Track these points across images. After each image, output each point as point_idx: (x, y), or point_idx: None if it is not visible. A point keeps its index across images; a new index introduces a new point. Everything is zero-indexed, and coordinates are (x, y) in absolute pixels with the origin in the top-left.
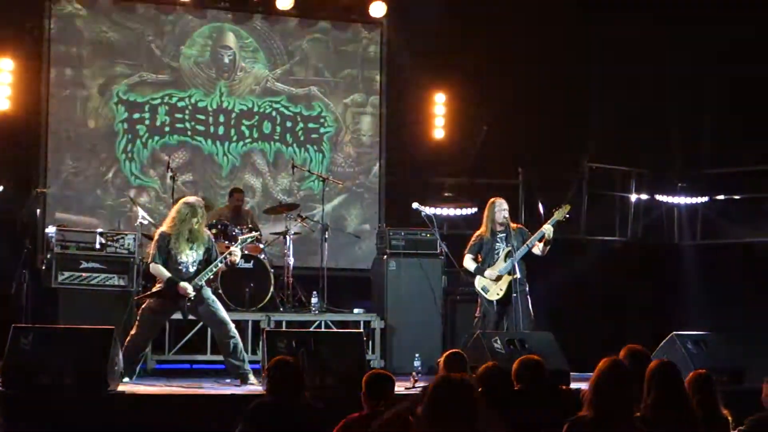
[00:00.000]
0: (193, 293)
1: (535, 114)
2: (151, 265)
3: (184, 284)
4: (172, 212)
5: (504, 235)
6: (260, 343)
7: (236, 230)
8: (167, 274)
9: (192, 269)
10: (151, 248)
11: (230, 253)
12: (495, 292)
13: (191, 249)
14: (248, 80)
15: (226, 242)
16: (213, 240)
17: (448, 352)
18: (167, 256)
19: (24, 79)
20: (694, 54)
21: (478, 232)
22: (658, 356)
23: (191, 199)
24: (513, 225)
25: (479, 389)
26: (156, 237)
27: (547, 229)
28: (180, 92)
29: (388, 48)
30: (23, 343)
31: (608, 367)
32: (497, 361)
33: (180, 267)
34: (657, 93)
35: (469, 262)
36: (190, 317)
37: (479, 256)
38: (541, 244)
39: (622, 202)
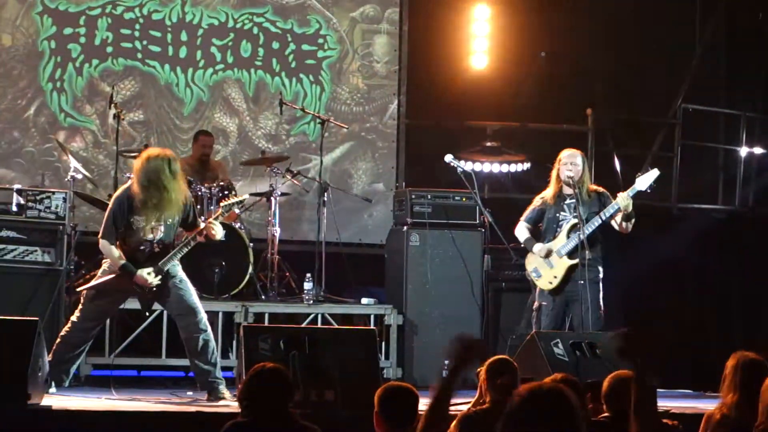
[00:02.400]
0: (157, 283)
1: (613, 37)
2: (101, 242)
3: (142, 273)
4: (136, 166)
5: (573, 201)
6: (234, 343)
7: (203, 189)
8: (122, 260)
9: (158, 248)
10: (105, 217)
11: (206, 229)
12: (548, 279)
13: (160, 221)
14: None
15: None
16: (191, 198)
17: (492, 360)
18: (126, 230)
19: None
20: None
21: (541, 195)
22: None
23: (159, 151)
24: (591, 187)
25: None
26: (112, 202)
27: (623, 200)
28: (127, 0)
29: None
30: None
31: None
32: (561, 372)
33: (143, 248)
34: None
35: (521, 231)
36: (154, 307)
37: (540, 228)
38: (619, 217)
39: (727, 157)
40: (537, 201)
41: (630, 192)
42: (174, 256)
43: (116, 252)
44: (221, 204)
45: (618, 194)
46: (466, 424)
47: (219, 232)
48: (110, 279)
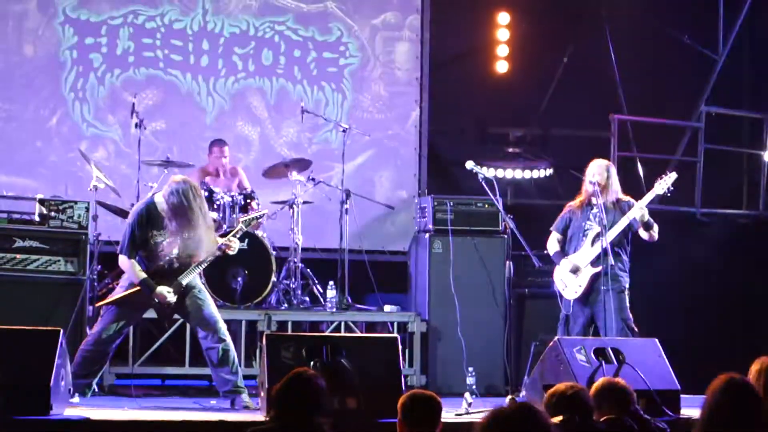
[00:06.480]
0: (175, 299)
1: (634, 41)
2: (120, 257)
3: (162, 291)
4: (167, 186)
5: (599, 210)
6: (257, 351)
7: (224, 197)
8: (141, 275)
9: (178, 262)
10: (123, 232)
11: (225, 245)
12: (573, 289)
13: (179, 236)
14: None
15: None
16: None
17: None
18: (145, 245)
19: None
20: None
21: (570, 203)
22: None
23: (183, 179)
24: (621, 197)
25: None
26: (131, 217)
27: (637, 211)
28: (149, 9)
29: None
30: None
31: (725, 386)
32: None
33: (162, 262)
34: None
35: (551, 243)
36: (175, 317)
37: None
38: (640, 228)
39: (751, 161)
40: (565, 209)
41: (647, 198)
42: (193, 271)
43: (136, 267)
44: (241, 219)
45: (634, 206)
46: None
47: (235, 249)
48: (129, 293)
